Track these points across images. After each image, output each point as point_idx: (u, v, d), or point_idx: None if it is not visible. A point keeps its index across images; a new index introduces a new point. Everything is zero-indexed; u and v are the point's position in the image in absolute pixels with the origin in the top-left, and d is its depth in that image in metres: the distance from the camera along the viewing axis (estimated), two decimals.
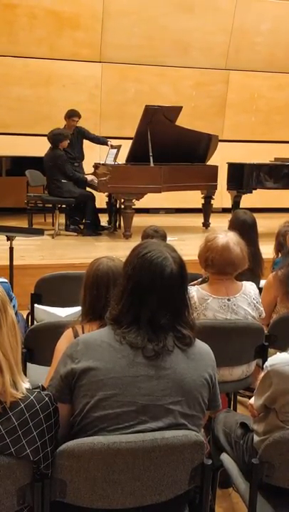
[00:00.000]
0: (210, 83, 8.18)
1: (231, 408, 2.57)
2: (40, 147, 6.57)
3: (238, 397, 2.79)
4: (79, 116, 6.54)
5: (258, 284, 3.05)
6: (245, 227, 3.19)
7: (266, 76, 8.34)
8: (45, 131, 6.35)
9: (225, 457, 1.82)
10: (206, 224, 6.74)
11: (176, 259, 1.48)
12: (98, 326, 1.72)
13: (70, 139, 6.22)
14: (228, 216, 3.74)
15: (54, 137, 6.09)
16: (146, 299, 1.43)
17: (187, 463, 1.43)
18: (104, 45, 7.73)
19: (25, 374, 2.26)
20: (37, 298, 2.97)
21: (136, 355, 1.42)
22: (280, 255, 3.34)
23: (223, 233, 2.39)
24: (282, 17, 8.01)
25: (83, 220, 6.42)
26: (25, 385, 1.34)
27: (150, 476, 1.40)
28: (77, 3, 7.38)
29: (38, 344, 2.27)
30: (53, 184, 6.15)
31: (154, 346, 1.41)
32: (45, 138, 6.22)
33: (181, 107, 6.28)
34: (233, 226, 3.24)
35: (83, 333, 1.76)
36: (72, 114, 6.52)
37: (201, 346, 1.54)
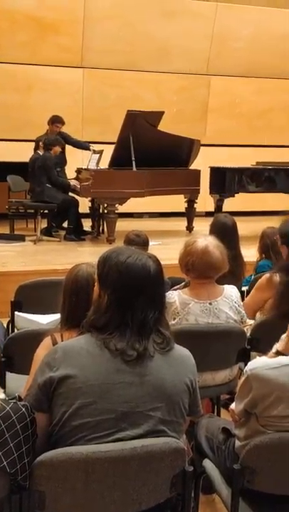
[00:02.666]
0: (192, 88, 8.22)
1: (215, 413, 2.56)
2: (21, 152, 6.52)
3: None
4: (62, 123, 6.53)
5: (239, 286, 3.06)
6: (226, 231, 3.22)
7: (247, 81, 8.41)
8: (27, 136, 6.32)
9: (207, 463, 1.81)
10: (189, 228, 6.75)
11: (153, 257, 1.52)
12: (77, 333, 1.69)
13: (63, 146, 6.25)
14: (212, 220, 3.75)
15: (48, 140, 6.15)
16: (136, 301, 1.44)
17: (168, 470, 1.41)
18: (85, 51, 7.72)
19: (4, 383, 2.24)
20: (17, 305, 2.93)
21: (116, 362, 1.40)
22: (264, 256, 3.35)
23: (202, 237, 2.40)
24: (262, 22, 8.09)
25: (63, 225, 6.39)
26: (0, 395, 1.31)
27: (131, 485, 1.38)
28: (58, 8, 7.37)
29: (17, 352, 2.23)
30: (39, 187, 6.11)
31: (135, 350, 1.41)
32: (27, 143, 6.21)
33: (163, 112, 6.29)
34: (214, 230, 3.26)
35: (62, 341, 1.73)
36: (55, 120, 6.50)
37: (181, 351, 1.54)
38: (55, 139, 6.21)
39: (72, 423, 1.37)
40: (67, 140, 6.66)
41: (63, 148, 6.67)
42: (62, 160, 6.69)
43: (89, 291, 1.77)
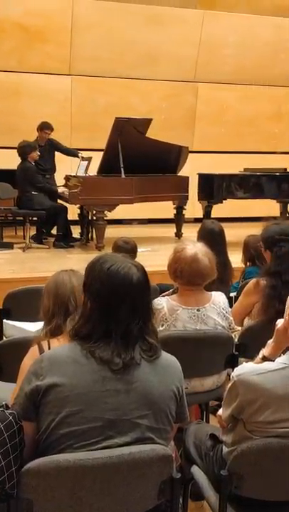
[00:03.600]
0: (179, 95, 8.28)
1: (204, 419, 2.57)
2: (9, 159, 6.51)
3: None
4: (51, 129, 6.53)
5: (227, 292, 3.08)
6: (213, 237, 3.24)
7: (234, 88, 8.49)
8: (15, 143, 6.30)
9: (195, 469, 1.81)
10: (178, 234, 6.78)
11: (138, 266, 1.51)
12: (64, 340, 1.70)
13: (37, 150, 6.20)
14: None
15: (21, 150, 6.08)
16: (118, 310, 1.43)
17: (156, 477, 1.42)
18: (73, 58, 7.76)
19: None
20: (6, 313, 2.92)
21: (102, 370, 1.41)
22: (248, 264, 3.38)
23: (191, 244, 2.41)
24: (248, 29, 8.19)
25: (51, 232, 6.38)
26: None
27: (118, 492, 1.38)
28: (45, 16, 7.40)
29: (6, 360, 2.23)
30: (25, 196, 6.10)
31: (122, 359, 1.41)
32: (15, 150, 6.19)
33: (151, 119, 6.33)
34: (202, 236, 3.29)
35: (49, 349, 1.73)
36: (44, 127, 6.51)
37: (167, 358, 1.54)
38: (27, 145, 6.10)
39: (59, 431, 1.37)
40: (56, 147, 6.68)
41: (53, 155, 6.68)
42: (51, 167, 6.69)
43: (72, 297, 1.79)
